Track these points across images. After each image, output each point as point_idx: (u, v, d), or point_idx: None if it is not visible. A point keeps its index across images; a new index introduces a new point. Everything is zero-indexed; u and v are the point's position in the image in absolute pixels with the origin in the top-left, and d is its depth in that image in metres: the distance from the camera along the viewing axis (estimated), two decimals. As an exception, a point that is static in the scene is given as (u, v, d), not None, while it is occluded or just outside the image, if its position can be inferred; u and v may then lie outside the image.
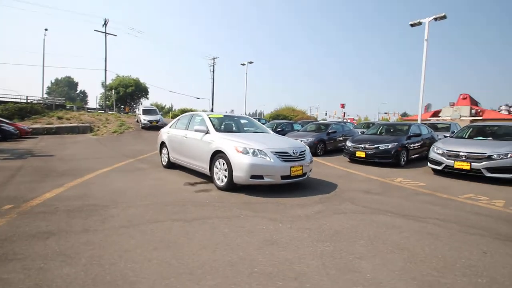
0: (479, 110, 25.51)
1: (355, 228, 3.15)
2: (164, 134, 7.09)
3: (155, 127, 19.40)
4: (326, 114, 50.35)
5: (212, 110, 38.43)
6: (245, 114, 28.50)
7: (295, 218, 3.43)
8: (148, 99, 41.04)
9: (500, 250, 2.70)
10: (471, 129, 7.95)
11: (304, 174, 4.86)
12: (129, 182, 5.30)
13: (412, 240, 2.86)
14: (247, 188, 4.78)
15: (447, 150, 6.60)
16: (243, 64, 25.00)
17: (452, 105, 27.08)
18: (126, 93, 35.93)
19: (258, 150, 4.47)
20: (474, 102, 27.48)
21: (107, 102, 31.31)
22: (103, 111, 28.46)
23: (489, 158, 5.90)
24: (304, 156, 4.88)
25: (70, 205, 3.72)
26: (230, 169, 4.54)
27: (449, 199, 4.69)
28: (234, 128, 5.83)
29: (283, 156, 4.59)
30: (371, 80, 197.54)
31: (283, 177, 4.50)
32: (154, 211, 3.60)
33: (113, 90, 31.21)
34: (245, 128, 5.96)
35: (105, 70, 29.35)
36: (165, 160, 7.03)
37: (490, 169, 5.86)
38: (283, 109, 34.21)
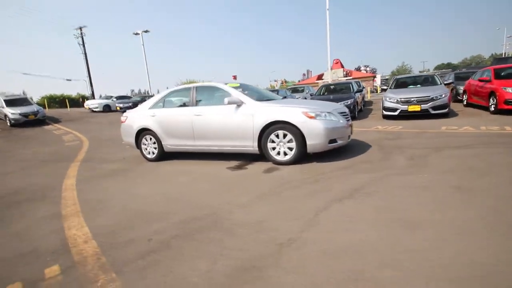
0: (348, 72, 32.24)
1: (459, 165, 3.55)
2: (144, 118, 5.36)
3: (32, 122, 14.13)
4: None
5: (92, 94, 31.36)
6: (150, 92, 24.83)
7: (414, 170, 3.50)
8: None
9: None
10: (396, 80, 10.04)
11: (350, 132, 4.91)
12: (160, 186, 3.86)
13: (502, 159, 3.53)
14: (305, 158, 4.41)
15: (400, 98, 8.13)
16: (137, 34, 21.04)
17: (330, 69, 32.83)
18: None
19: (328, 112, 4.13)
20: (342, 65, 34.32)
21: None
22: None
23: (432, 99, 7.72)
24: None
25: (158, 232, 2.40)
26: (300, 138, 4.02)
27: (442, 132, 5.92)
28: (263, 97, 5.02)
29: (345, 115, 4.45)
30: (259, 51, 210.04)
31: (348, 137, 4.41)
32: (287, 204, 2.83)
33: None
34: (268, 96, 5.26)
35: None
36: (152, 151, 5.41)
37: (434, 108, 7.70)
38: (186, 84, 31.73)
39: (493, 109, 7.67)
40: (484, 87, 8.23)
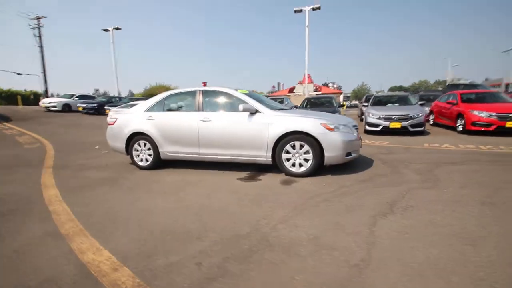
0: (318, 87, 33.83)
1: (468, 181, 3.79)
2: (139, 121, 4.86)
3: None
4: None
5: (46, 92, 28.39)
6: (118, 93, 23.09)
7: (432, 185, 3.63)
8: None
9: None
10: (375, 98, 10.70)
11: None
12: (175, 198, 3.45)
13: (502, 175, 3.85)
14: (319, 170, 4.36)
15: (382, 115, 8.64)
16: (106, 30, 19.61)
17: (300, 82, 34.18)
18: None
19: (343, 125, 4.14)
20: (311, 80, 35.89)
21: None
22: None
23: (411, 118, 8.34)
24: (355, 128, 4.97)
25: (203, 254, 2.09)
26: (318, 150, 3.95)
27: (427, 148, 6.35)
28: (274, 107, 4.86)
29: (356, 128, 4.51)
30: (227, 61, 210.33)
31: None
32: (329, 219, 2.69)
33: None
34: (277, 105, 5.13)
35: None
36: (145, 158, 4.92)
37: (412, 125, 8.32)
38: (155, 88, 30.18)
39: (461, 129, 8.53)
40: (452, 110, 9.15)
